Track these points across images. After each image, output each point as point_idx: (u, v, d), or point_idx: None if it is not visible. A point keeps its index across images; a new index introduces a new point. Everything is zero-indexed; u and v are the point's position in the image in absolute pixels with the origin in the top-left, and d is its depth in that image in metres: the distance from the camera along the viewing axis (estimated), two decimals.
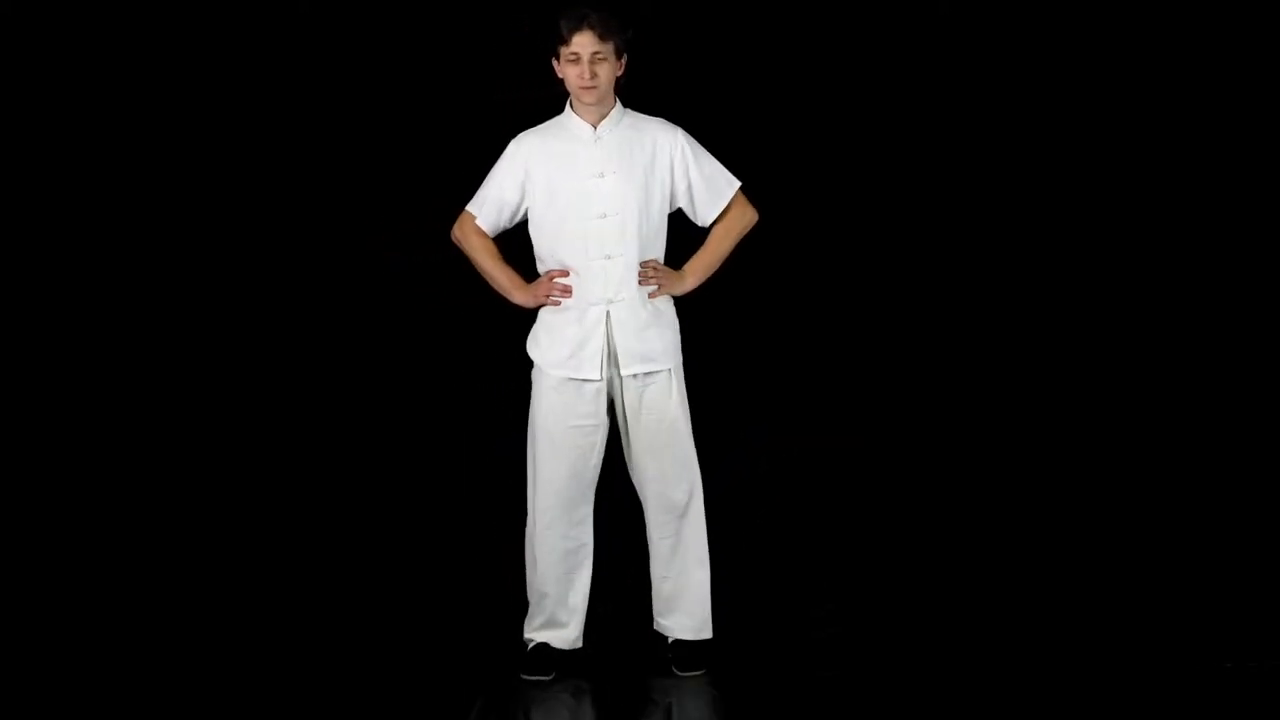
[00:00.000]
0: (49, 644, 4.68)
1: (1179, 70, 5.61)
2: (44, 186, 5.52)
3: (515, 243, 4.52)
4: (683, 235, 4.54)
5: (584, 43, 4.30)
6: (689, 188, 4.49)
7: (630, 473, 4.54)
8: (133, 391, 5.56)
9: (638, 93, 4.49)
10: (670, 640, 4.56)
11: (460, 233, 4.53)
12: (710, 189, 4.51)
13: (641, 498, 4.54)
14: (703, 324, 4.63)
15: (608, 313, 4.40)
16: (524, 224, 4.49)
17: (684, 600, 4.54)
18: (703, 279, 4.51)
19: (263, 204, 5.57)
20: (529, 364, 4.51)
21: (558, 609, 4.49)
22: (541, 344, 4.47)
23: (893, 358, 5.69)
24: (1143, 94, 5.64)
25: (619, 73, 4.39)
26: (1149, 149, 5.64)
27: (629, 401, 4.46)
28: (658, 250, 4.47)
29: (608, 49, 4.32)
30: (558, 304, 4.41)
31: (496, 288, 4.52)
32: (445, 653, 4.65)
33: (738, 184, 4.54)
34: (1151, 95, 5.63)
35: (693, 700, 4.36)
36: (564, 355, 4.42)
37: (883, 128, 5.70)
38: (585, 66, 4.31)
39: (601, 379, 4.42)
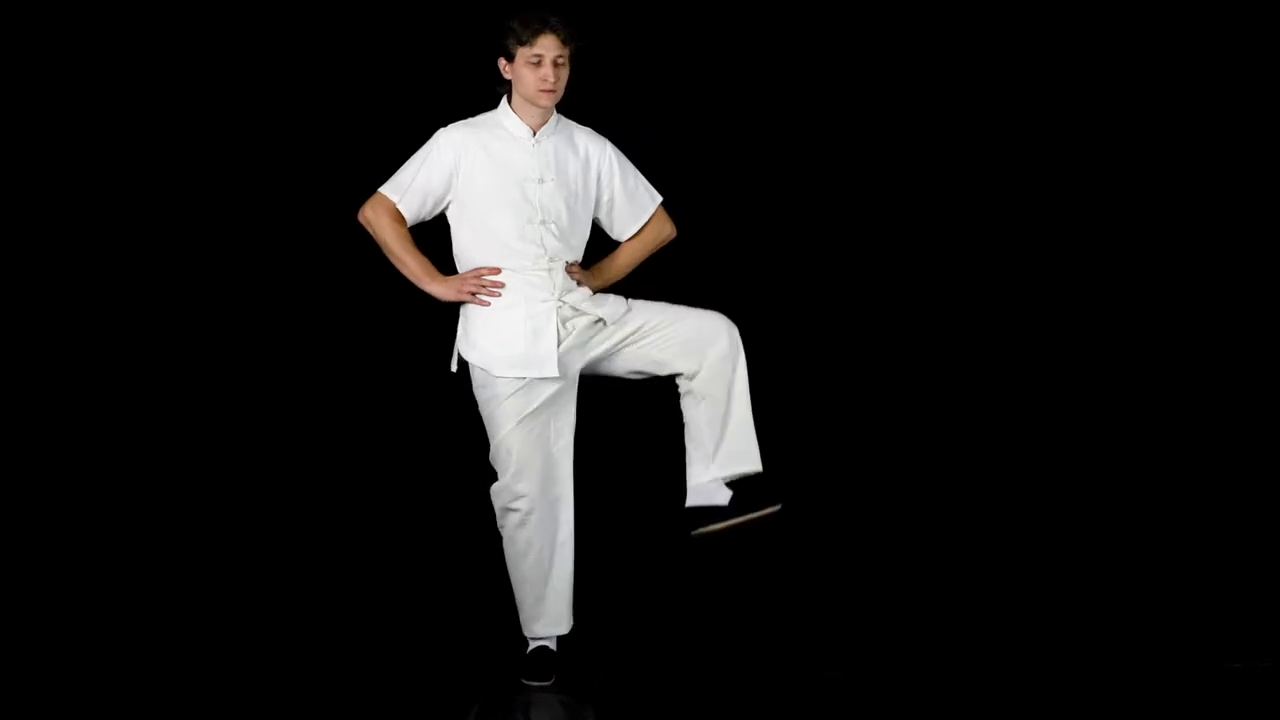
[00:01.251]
0: (49, 644, 4.67)
1: (1179, 70, 5.61)
2: (30, 175, 5.51)
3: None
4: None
5: (548, 45, 4.26)
6: (610, 201, 4.48)
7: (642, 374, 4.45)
8: (126, 388, 5.55)
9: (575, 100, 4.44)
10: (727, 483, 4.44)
11: (372, 215, 4.37)
12: (632, 205, 4.51)
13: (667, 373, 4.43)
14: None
15: (558, 308, 4.33)
16: (438, 218, 4.40)
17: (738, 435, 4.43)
18: (609, 284, 4.50)
19: (247, 190, 5.56)
20: (451, 372, 4.44)
21: (541, 592, 4.44)
22: (481, 346, 4.36)
23: (892, 359, 5.69)
24: (1143, 94, 5.64)
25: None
26: (1149, 149, 5.64)
27: (598, 347, 4.38)
28: (579, 255, 4.45)
29: (567, 54, 4.28)
30: (484, 303, 4.33)
31: (407, 275, 4.39)
32: (444, 654, 4.64)
33: (659, 199, 4.55)
34: (1151, 95, 5.63)
35: (694, 702, 4.35)
36: (517, 353, 4.32)
37: (874, 131, 5.70)
38: (548, 69, 4.26)
39: (559, 376, 4.33)
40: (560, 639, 4.48)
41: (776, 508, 4.42)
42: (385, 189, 4.38)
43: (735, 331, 4.42)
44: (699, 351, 4.37)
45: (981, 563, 5.30)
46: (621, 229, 4.53)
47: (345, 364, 5.57)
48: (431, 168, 4.34)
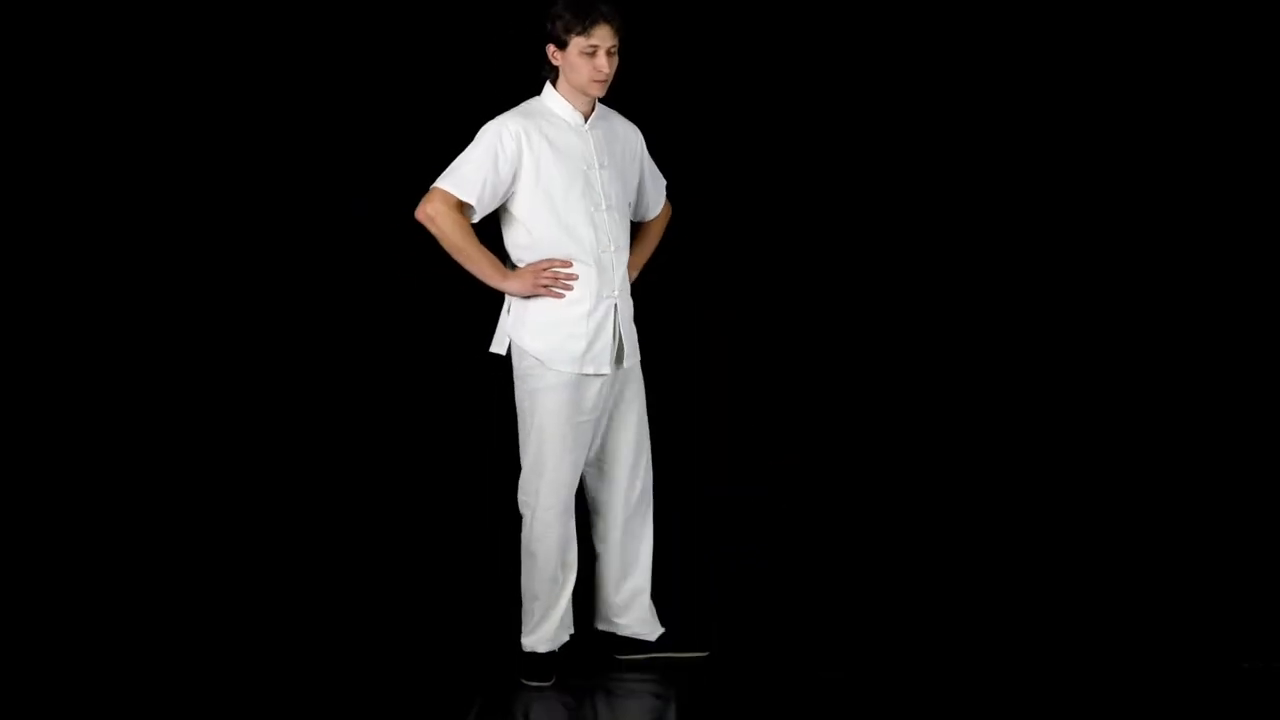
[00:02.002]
0: (49, 644, 4.67)
1: (1179, 70, 5.61)
2: (33, 175, 5.50)
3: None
4: None
5: (604, 35, 4.22)
6: (640, 186, 4.49)
7: (599, 467, 4.50)
8: (125, 388, 5.54)
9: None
10: (619, 637, 4.59)
11: (434, 211, 4.25)
12: (655, 189, 4.55)
13: (603, 495, 4.51)
14: (705, 327, 4.63)
15: (615, 305, 4.34)
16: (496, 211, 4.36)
17: (640, 598, 4.57)
18: (639, 266, 4.56)
19: (248, 188, 5.54)
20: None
21: (553, 605, 4.43)
22: (545, 338, 4.31)
23: (891, 357, 5.68)
24: (1143, 94, 5.63)
25: None
26: (1149, 149, 5.63)
27: (615, 394, 4.42)
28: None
29: (617, 43, 4.25)
30: (559, 295, 4.29)
31: (475, 272, 4.31)
32: (444, 654, 4.64)
33: (664, 180, 4.60)
34: (1152, 95, 5.63)
35: (694, 702, 4.34)
36: (578, 351, 4.30)
37: (874, 125, 5.69)
38: (603, 59, 4.23)
39: (611, 373, 4.36)
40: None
41: (704, 654, 4.57)
42: (445, 184, 4.25)
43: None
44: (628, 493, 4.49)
45: (983, 562, 5.30)
46: (649, 213, 4.56)
47: (345, 364, 5.56)
48: (496, 159, 4.25)
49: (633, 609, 4.56)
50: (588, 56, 4.23)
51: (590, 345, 4.31)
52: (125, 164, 5.51)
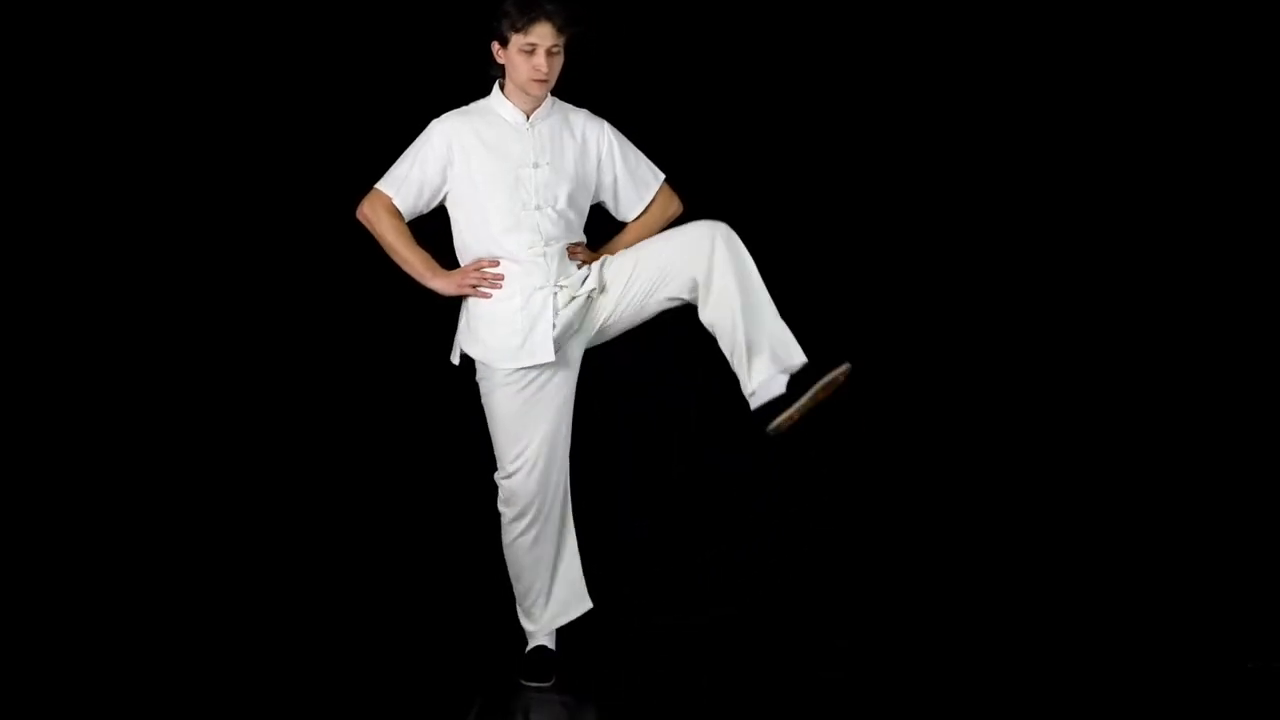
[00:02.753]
0: (49, 644, 4.67)
1: (1179, 70, 5.60)
2: (38, 187, 5.50)
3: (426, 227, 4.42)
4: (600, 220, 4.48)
5: (544, 34, 4.17)
6: (614, 183, 4.41)
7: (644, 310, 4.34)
8: (123, 388, 5.53)
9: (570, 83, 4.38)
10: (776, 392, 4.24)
11: (370, 212, 4.32)
12: (635, 185, 4.44)
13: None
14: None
15: (555, 294, 4.26)
16: (438, 209, 4.35)
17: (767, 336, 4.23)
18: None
19: (241, 187, 5.53)
20: (451, 367, 4.40)
21: (547, 589, 4.43)
22: (482, 338, 4.30)
23: (890, 355, 5.67)
24: (1143, 94, 5.63)
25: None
26: (1149, 149, 5.63)
27: (591, 324, 4.31)
28: (578, 238, 4.37)
29: (562, 43, 4.21)
30: (485, 295, 4.27)
31: (408, 271, 4.33)
32: (444, 653, 4.64)
33: (663, 176, 4.47)
34: (1152, 95, 5.62)
35: (696, 702, 4.34)
36: (515, 345, 4.27)
37: (875, 126, 5.68)
38: (541, 59, 4.19)
39: (554, 360, 4.27)
40: (560, 639, 4.47)
41: (845, 367, 4.21)
42: (381, 184, 4.33)
43: (722, 229, 4.22)
44: (694, 271, 4.20)
45: (983, 561, 5.29)
46: (626, 210, 4.46)
47: (343, 362, 5.56)
48: (425, 160, 4.28)
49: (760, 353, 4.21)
50: (526, 55, 4.20)
51: (526, 338, 4.26)
52: (123, 163, 5.50)
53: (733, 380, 5.36)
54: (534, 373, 4.29)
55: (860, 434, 5.58)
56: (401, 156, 4.33)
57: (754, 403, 4.23)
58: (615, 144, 4.41)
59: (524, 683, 4.41)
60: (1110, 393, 5.63)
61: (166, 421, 5.52)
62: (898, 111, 5.63)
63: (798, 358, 4.22)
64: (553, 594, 4.47)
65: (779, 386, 4.22)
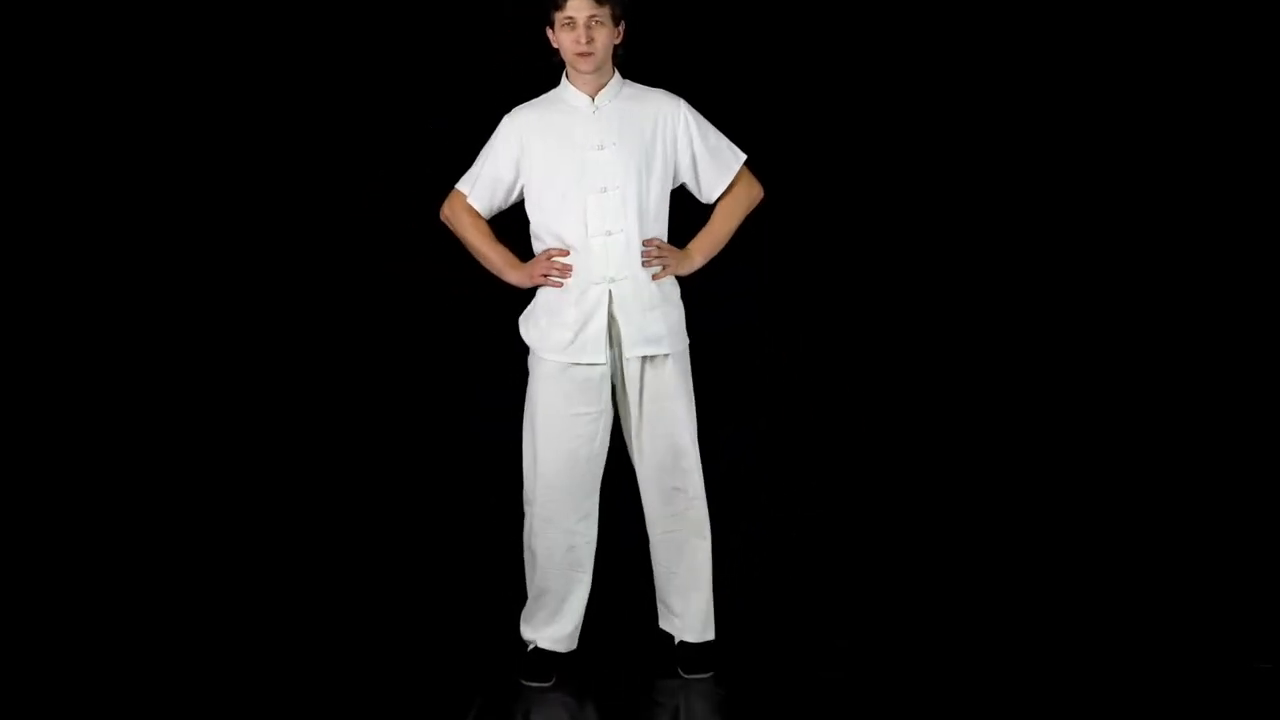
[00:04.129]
0: (49, 644, 4.66)
1: (1179, 70, 5.60)
2: (38, 187, 5.49)
3: (508, 221, 4.43)
4: (686, 213, 4.45)
5: (579, 6, 4.16)
6: (693, 161, 4.35)
7: (632, 459, 4.41)
8: (123, 388, 5.52)
9: (641, 65, 4.39)
10: (676, 641, 4.48)
11: (450, 212, 4.38)
12: (716, 163, 4.37)
13: (641, 489, 4.41)
14: (708, 309, 4.57)
15: (610, 292, 4.25)
16: (521, 203, 4.36)
17: (687, 599, 4.43)
18: (708, 258, 4.39)
19: (248, 188, 5.52)
20: (524, 349, 4.39)
21: (558, 608, 4.40)
22: (540, 327, 4.30)
23: (890, 358, 5.67)
24: (1143, 94, 5.62)
25: (617, 40, 4.25)
26: (1149, 149, 5.62)
27: (630, 386, 4.30)
28: (660, 229, 4.33)
29: (604, 13, 4.18)
30: (558, 284, 4.26)
31: (489, 268, 4.38)
32: (444, 653, 4.63)
33: (744, 157, 4.42)
34: (1152, 95, 5.62)
35: (698, 703, 4.33)
36: (565, 339, 4.26)
37: (880, 125, 5.68)
38: (581, 31, 4.17)
39: (605, 363, 4.27)
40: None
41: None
42: (460, 184, 4.36)
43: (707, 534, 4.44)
44: (677, 512, 4.40)
45: (985, 561, 5.29)
46: (709, 189, 4.39)
47: (343, 362, 5.55)
48: (498, 156, 4.30)
49: (675, 614, 4.48)
50: (568, 29, 4.19)
51: (577, 334, 4.25)
52: (125, 163, 5.50)
53: (735, 380, 5.38)
54: (581, 373, 4.27)
55: (860, 434, 5.57)
56: (479, 155, 4.35)
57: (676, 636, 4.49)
58: (693, 123, 4.34)
59: (524, 683, 4.40)
60: (1112, 392, 5.63)
61: (166, 422, 5.52)
62: (899, 111, 5.63)
63: (705, 635, 4.47)
64: (556, 622, 4.43)
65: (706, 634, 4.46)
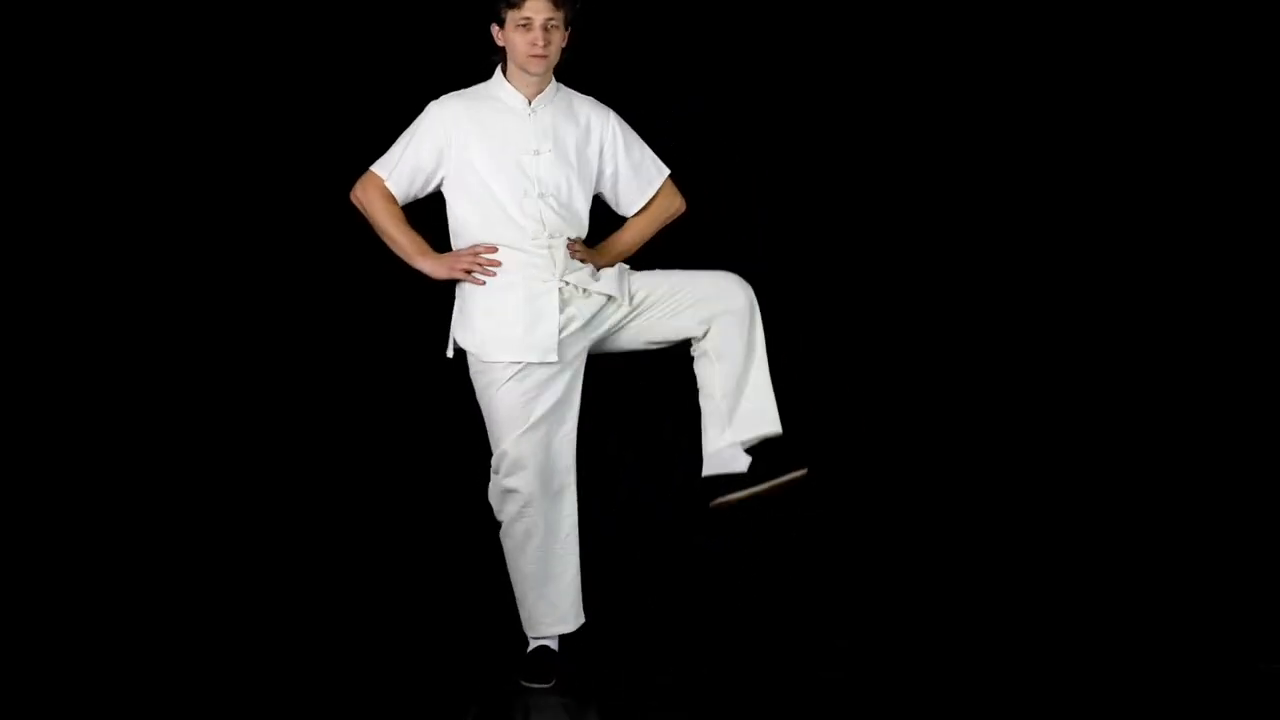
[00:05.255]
0: (49, 644, 4.66)
1: (1179, 70, 5.60)
2: (38, 187, 5.49)
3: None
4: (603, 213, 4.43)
5: (537, 8, 4.09)
6: (615, 174, 4.32)
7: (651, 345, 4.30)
8: (117, 384, 5.52)
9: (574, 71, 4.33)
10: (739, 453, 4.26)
11: (363, 194, 4.24)
12: (638, 178, 4.35)
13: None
14: None
15: (560, 290, 4.18)
16: (433, 195, 4.27)
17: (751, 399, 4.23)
18: (617, 262, 4.32)
19: (233, 174, 5.52)
20: (452, 363, 4.31)
21: (549, 593, 4.34)
22: (478, 329, 4.20)
23: (890, 357, 5.67)
24: (1143, 94, 5.63)
25: (564, 45, 4.19)
26: (1149, 149, 5.63)
27: (599, 323, 4.22)
28: (579, 232, 4.28)
29: (559, 17, 4.12)
30: (479, 282, 4.18)
31: (399, 253, 4.26)
32: (444, 654, 4.63)
33: (667, 172, 4.39)
34: (1152, 95, 5.62)
35: (696, 703, 4.33)
36: (516, 335, 4.16)
37: (881, 124, 5.68)
38: (538, 34, 4.10)
39: (558, 361, 4.18)
40: (563, 638, 4.41)
41: (803, 472, 4.23)
42: (376, 167, 4.25)
43: (750, 290, 4.24)
44: (711, 312, 4.20)
45: (986, 561, 5.29)
46: (627, 203, 4.38)
47: (340, 357, 5.55)
48: (421, 143, 4.20)
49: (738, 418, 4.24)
50: (523, 30, 4.11)
51: (528, 331, 4.17)
52: (111, 152, 5.49)
53: None
54: (533, 367, 4.19)
55: (860, 434, 5.58)
56: (398, 139, 4.25)
57: (708, 468, 4.25)
58: (620, 134, 4.32)
59: (525, 683, 4.38)
60: (1114, 391, 5.63)
61: (160, 420, 5.52)
62: (900, 113, 5.63)
63: (770, 427, 4.23)
64: (545, 605, 4.37)
65: (739, 464, 4.22)
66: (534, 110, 4.22)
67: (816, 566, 5.30)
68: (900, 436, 5.61)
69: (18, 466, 5.42)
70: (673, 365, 4.61)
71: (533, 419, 4.21)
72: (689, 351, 4.28)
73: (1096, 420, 5.63)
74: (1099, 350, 5.66)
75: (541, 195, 4.19)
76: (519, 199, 4.18)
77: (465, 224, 4.23)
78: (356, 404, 5.54)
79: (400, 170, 4.22)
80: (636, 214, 4.41)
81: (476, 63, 4.32)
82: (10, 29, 5.41)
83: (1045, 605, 4.93)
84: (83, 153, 5.46)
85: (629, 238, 4.40)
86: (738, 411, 4.23)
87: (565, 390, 4.24)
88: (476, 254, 4.19)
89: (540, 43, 4.11)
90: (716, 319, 4.21)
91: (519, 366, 4.19)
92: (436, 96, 4.29)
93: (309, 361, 5.53)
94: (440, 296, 4.34)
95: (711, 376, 4.24)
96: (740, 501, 4.25)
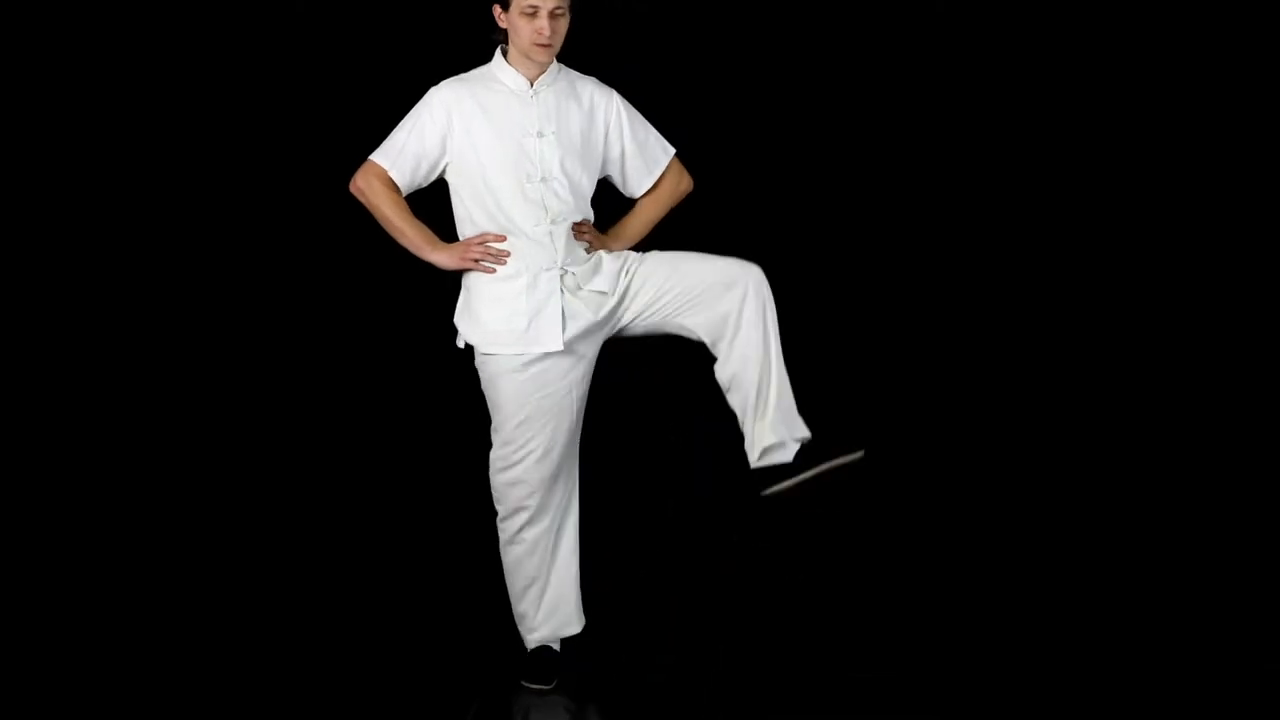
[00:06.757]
0: (49, 644, 4.63)
1: (1179, 70, 5.61)
2: (38, 187, 5.46)
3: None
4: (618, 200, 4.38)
5: None
6: (621, 156, 4.26)
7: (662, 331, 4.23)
8: (115, 383, 5.50)
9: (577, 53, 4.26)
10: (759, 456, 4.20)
11: (364, 184, 4.15)
12: (644, 159, 4.28)
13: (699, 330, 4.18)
14: None
15: (561, 277, 4.12)
16: (437, 183, 4.21)
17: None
18: (629, 246, 4.28)
19: (232, 167, 5.51)
20: (457, 356, 4.25)
21: (550, 598, 4.32)
22: (483, 321, 4.14)
23: (899, 352, 5.67)
24: (1143, 94, 5.64)
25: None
26: (1149, 149, 5.64)
27: (607, 319, 4.15)
28: (585, 215, 4.23)
29: (565, 4, 4.05)
30: (489, 270, 4.11)
31: (407, 245, 4.17)
32: (444, 654, 4.60)
33: (673, 151, 4.33)
34: (1152, 95, 5.63)
35: (697, 703, 4.30)
36: (520, 327, 4.11)
37: (880, 126, 5.67)
38: (545, 22, 4.02)
39: (562, 349, 4.11)
40: (562, 640, 4.40)
41: (859, 454, 4.18)
42: (376, 156, 4.16)
43: (762, 282, 4.14)
44: (731, 308, 4.11)
45: (988, 561, 5.27)
46: (635, 184, 4.31)
47: (341, 353, 5.53)
48: (424, 130, 4.12)
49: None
50: (528, 17, 4.04)
51: (532, 322, 4.10)
52: (110, 148, 5.47)
53: None
54: (538, 359, 4.13)
55: (860, 433, 5.56)
56: (398, 126, 4.18)
57: (755, 460, 4.18)
58: (624, 115, 4.25)
59: (525, 684, 4.35)
60: (1115, 390, 5.64)
61: (162, 415, 5.50)
62: (901, 112, 5.63)
63: (801, 431, 4.18)
64: (543, 609, 4.34)
65: (785, 454, 4.17)
66: (536, 92, 4.15)
67: (816, 566, 5.28)
68: (900, 436, 5.61)
69: (19, 461, 5.39)
70: (678, 360, 4.59)
71: (536, 411, 4.16)
72: (709, 351, 4.22)
73: (1097, 421, 5.64)
74: (1099, 350, 5.67)
75: (544, 179, 4.13)
76: (521, 183, 4.11)
77: (469, 211, 4.16)
78: (356, 402, 5.52)
79: (403, 159, 4.14)
80: (644, 195, 4.35)
81: (474, 46, 4.25)
82: (10, 29, 5.38)
83: (1050, 605, 4.92)
84: (81, 146, 5.45)
85: (639, 219, 4.34)
86: (771, 417, 4.15)
87: (572, 384, 4.19)
88: (485, 243, 4.13)
89: (546, 31, 4.05)
90: (734, 316, 4.13)
91: (523, 358, 4.13)
92: (434, 82, 4.21)
93: (309, 361, 5.52)
94: (447, 287, 4.28)
95: (743, 379, 4.16)
96: (792, 489, 4.17)
